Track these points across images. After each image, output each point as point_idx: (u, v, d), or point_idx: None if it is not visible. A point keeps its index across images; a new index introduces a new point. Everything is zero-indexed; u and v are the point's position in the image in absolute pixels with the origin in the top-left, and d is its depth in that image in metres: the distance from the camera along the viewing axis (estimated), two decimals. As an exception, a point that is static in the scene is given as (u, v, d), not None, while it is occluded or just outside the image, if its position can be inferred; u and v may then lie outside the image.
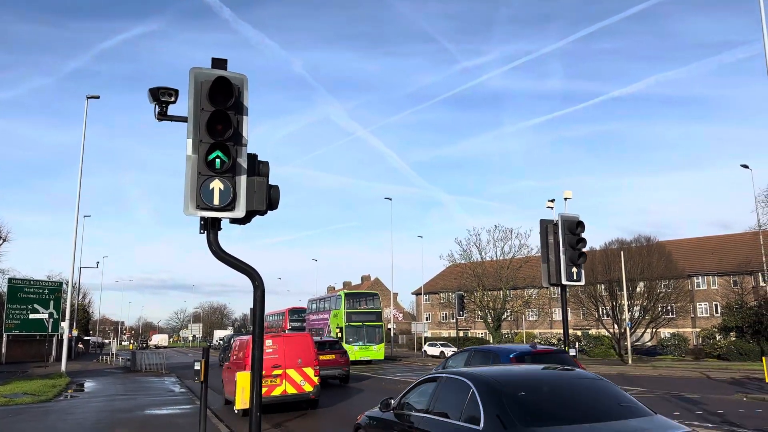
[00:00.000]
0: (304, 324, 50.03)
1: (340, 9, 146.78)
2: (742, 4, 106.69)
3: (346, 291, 42.88)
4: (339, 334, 38.04)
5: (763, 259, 39.76)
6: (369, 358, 39.54)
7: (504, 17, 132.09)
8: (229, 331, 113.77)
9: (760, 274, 48.02)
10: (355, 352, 37.57)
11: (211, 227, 6.34)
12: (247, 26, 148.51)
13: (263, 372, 8.31)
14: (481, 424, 5.16)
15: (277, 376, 15.12)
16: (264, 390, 12.65)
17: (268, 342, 15.24)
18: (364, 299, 43.10)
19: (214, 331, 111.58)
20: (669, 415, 9.32)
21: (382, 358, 41.27)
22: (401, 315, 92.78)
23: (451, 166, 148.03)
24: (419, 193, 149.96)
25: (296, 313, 52.12)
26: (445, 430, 5.70)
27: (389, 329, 66.68)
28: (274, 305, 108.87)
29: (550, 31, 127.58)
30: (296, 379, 15.42)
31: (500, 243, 57.85)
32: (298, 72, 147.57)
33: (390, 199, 58.88)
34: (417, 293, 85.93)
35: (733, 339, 48.31)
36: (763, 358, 22.25)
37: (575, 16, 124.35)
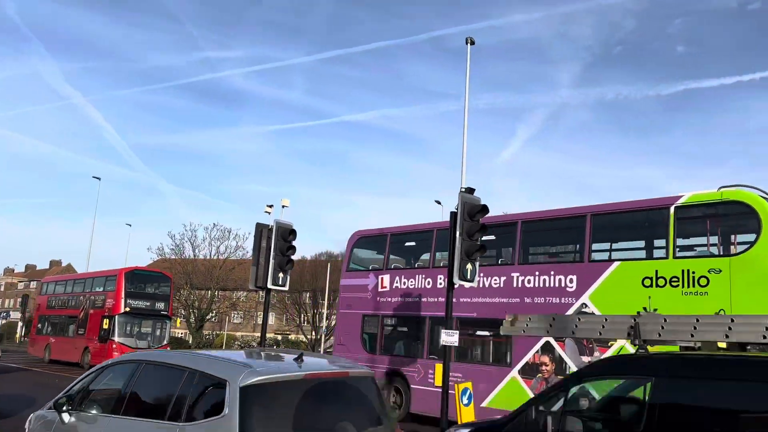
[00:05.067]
0: (166, 307, 28.50)
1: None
2: (459, 64, 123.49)
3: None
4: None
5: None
6: None
7: (255, 17, 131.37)
8: None
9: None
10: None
11: None
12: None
13: None
14: None
15: None
16: None
17: None
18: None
19: None
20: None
21: None
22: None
23: (178, 156, 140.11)
24: (137, 177, 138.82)
25: (140, 280, 28.86)
26: None
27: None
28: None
29: (298, 44, 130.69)
30: None
31: (216, 242, 56.70)
32: (9, 15, 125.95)
33: (99, 179, 52.62)
34: (116, 285, 79.08)
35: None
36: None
37: (322, 38, 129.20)
